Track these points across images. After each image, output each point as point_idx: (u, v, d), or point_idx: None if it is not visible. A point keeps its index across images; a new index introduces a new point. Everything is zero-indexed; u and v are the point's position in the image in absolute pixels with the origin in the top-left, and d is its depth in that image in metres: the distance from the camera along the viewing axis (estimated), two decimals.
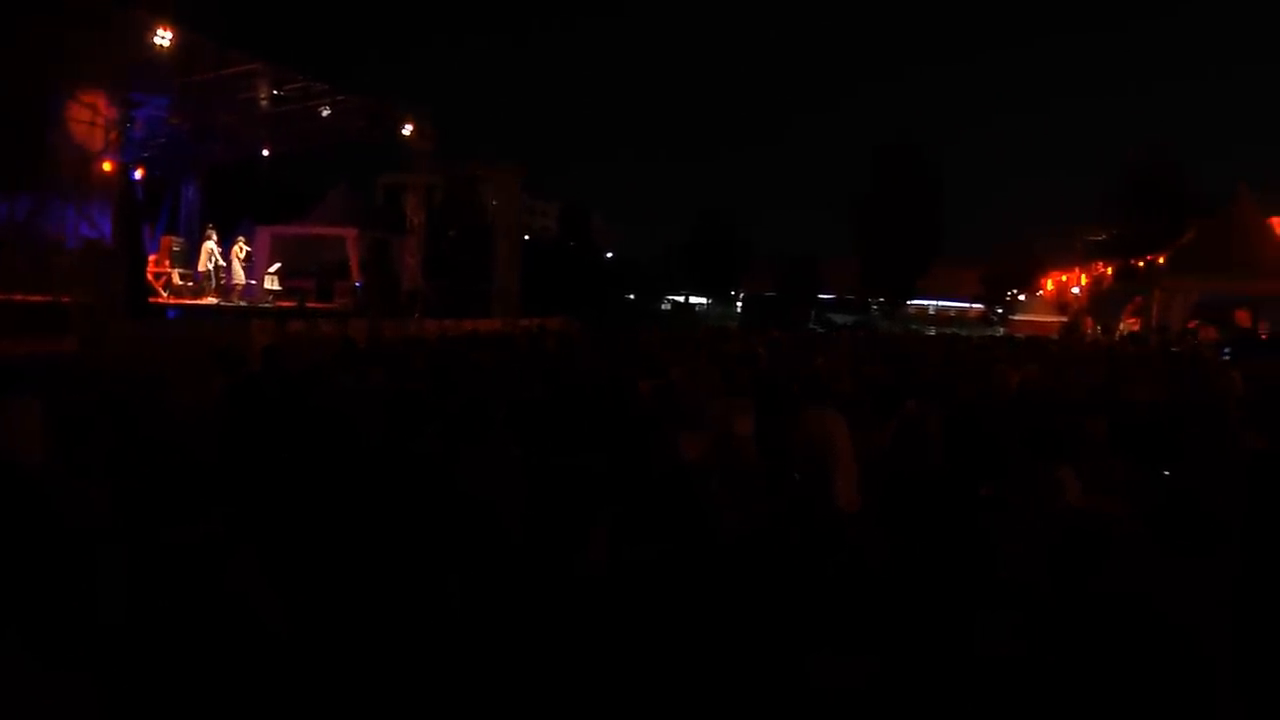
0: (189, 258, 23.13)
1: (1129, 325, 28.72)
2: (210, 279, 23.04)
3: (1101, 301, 34.67)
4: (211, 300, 22.38)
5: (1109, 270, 43.44)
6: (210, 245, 23.13)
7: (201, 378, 5.60)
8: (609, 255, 60.40)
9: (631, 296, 56.80)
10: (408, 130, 23.19)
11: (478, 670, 2.37)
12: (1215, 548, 2.99)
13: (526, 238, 35.60)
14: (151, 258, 21.43)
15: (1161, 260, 33.11)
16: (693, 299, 64.68)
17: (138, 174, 21.27)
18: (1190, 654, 1.92)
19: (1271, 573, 2.39)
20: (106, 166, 15.17)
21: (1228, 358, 18.27)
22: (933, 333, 38.08)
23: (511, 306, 26.54)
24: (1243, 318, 21.94)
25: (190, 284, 22.61)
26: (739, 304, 61.44)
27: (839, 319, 51.98)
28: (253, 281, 24.35)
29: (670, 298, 65.15)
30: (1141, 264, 38.03)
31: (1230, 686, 1.88)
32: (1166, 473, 4.74)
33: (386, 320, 18.17)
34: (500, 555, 2.76)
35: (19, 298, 13.26)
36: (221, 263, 23.44)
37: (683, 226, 61.52)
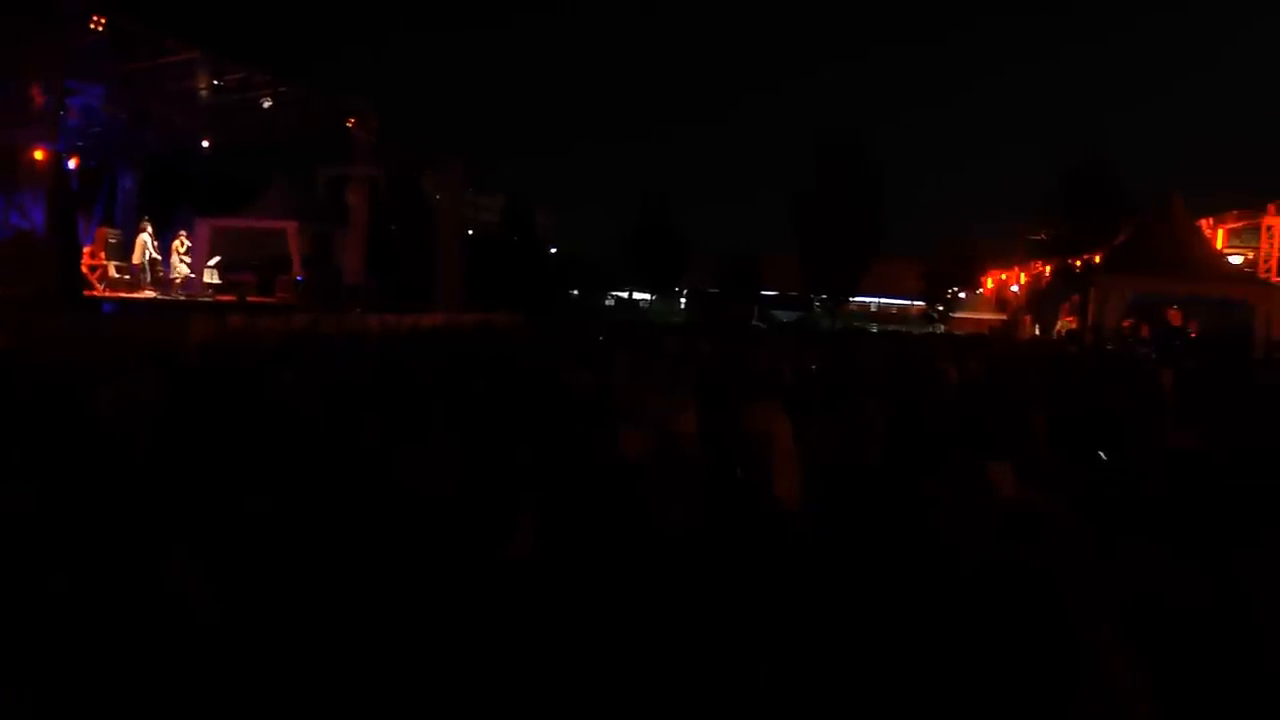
0: (126, 250, 22.68)
1: (1066, 323, 29.21)
2: (146, 272, 22.60)
3: (1040, 300, 35.23)
4: (149, 294, 21.96)
5: (1047, 269, 44.20)
6: (145, 238, 22.68)
7: (139, 373, 5.50)
8: (553, 250, 60.26)
9: (575, 292, 56.78)
10: (350, 122, 22.95)
11: (413, 664, 2.35)
12: (1142, 541, 3.06)
13: (470, 232, 35.38)
14: (86, 250, 20.99)
15: (1098, 260, 33.72)
16: (636, 295, 64.75)
17: (72, 163, 20.82)
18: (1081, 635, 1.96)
19: (1195, 567, 2.44)
20: (39, 155, 14.82)
21: (1154, 355, 18.69)
22: (875, 330, 38.50)
23: (455, 301, 26.38)
24: (1174, 317, 22.43)
25: (127, 277, 22.18)
26: (682, 300, 61.61)
27: (782, 315, 52.33)
28: (193, 275, 23.95)
29: (614, 293, 65.20)
30: (1078, 263, 38.74)
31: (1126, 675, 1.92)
32: (1102, 455, 4.85)
33: (328, 314, 17.97)
34: (437, 549, 2.74)
35: None
36: (156, 255, 22.99)
37: (626, 222, 61.29)
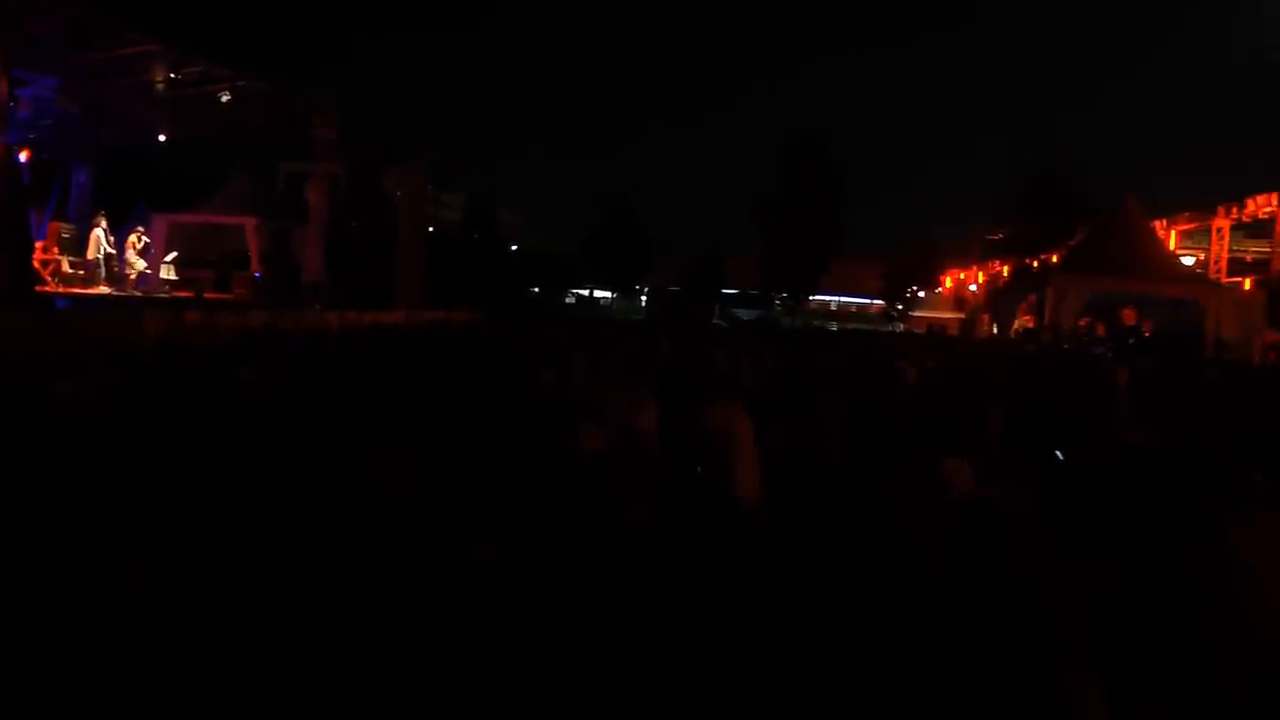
0: (79, 245, 22.36)
1: (1024, 322, 29.55)
2: (101, 267, 22.27)
3: (997, 299, 35.66)
4: (104, 289, 21.65)
5: (1005, 269, 44.73)
6: (99, 232, 22.35)
7: (93, 369, 5.43)
8: (514, 248, 60.06)
9: (536, 290, 56.66)
10: (311, 119, 22.74)
11: (365, 668, 2.34)
12: (1100, 538, 3.11)
13: (431, 229, 35.16)
14: (39, 245, 20.67)
15: (1054, 260, 34.22)
16: (597, 293, 64.74)
17: (23, 156, 20.46)
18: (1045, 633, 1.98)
19: (1149, 564, 2.49)
20: None
21: (1109, 354, 18.98)
22: (835, 328, 38.80)
23: (415, 299, 26.18)
24: (1129, 316, 22.75)
25: (81, 273, 21.86)
26: (644, 298, 61.62)
27: (743, 314, 52.49)
28: (149, 271, 23.65)
29: (575, 291, 65.13)
30: (1035, 263, 39.29)
31: (1084, 670, 1.95)
32: (1058, 454, 4.91)
33: (287, 312, 17.79)
34: (395, 549, 2.73)
35: None
36: (111, 251, 22.65)
37: (588, 221, 61.13)
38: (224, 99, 21.08)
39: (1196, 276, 31.53)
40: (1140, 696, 2.05)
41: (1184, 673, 2.10)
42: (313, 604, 2.50)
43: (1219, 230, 36.95)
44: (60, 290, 20.29)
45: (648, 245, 58.48)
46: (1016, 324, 29.71)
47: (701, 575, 2.61)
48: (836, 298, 69.09)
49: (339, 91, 24.08)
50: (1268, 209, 34.30)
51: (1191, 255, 38.74)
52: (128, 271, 23.04)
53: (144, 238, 23.52)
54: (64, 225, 22.56)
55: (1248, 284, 33.75)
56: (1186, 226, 38.53)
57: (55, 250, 21.58)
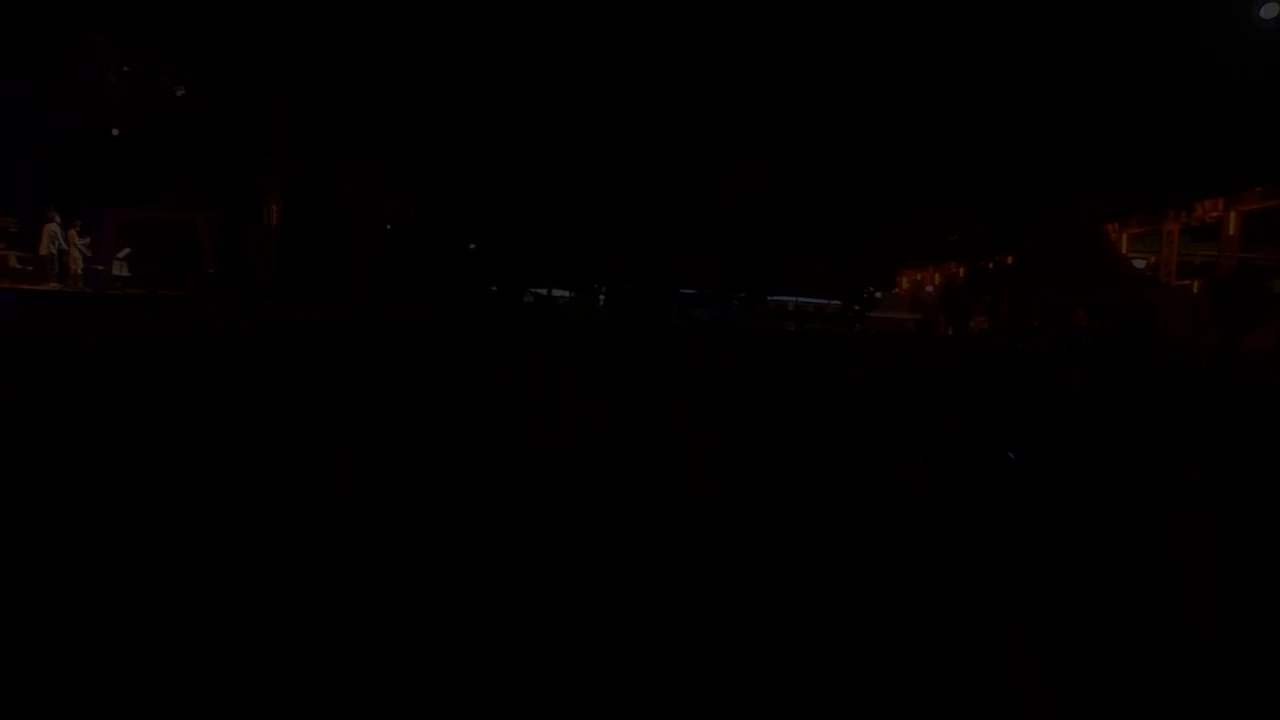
0: (27, 240, 21.94)
1: (978, 323, 29.90)
2: (53, 263, 21.87)
3: (953, 300, 36.06)
4: (54, 286, 21.28)
5: (961, 270, 45.24)
6: (53, 227, 21.95)
7: (40, 366, 5.35)
8: (472, 246, 59.68)
9: (494, 288, 56.39)
10: (266, 113, 22.52)
11: (301, 670, 2.31)
12: (1051, 533, 3.14)
13: (388, 226, 34.90)
14: None
15: (1009, 261, 34.71)
16: (555, 291, 64.49)
17: None
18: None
19: (1096, 558, 2.52)
20: None
21: (1062, 354, 19.28)
22: (792, 328, 39.03)
23: (370, 295, 26.02)
24: (1081, 317, 23.12)
25: (30, 268, 21.45)
26: (601, 297, 61.47)
27: (701, 314, 52.56)
28: (98, 266, 23.25)
29: (533, 289, 64.90)
30: (991, 265, 39.81)
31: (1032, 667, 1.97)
32: (1010, 454, 4.96)
33: (240, 308, 17.59)
34: (342, 549, 2.71)
35: None
36: (65, 246, 22.26)
37: (547, 219, 60.94)
38: (178, 93, 20.85)
39: (1147, 279, 32.15)
40: (1079, 678, 2.08)
41: (1121, 656, 2.14)
42: (254, 607, 2.47)
43: (1169, 234, 37.65)
44: (7, 286, 19.93)
45: (606, 245, 58.38)
46: (972, 324, 30.08)
47: (653, 573, 2.61)
48: (795, 298, 69.25)
49: (295, 86, 23.76)
50: (1214, 213, 34.97)
51: (1142, 258, 39.44)
52: (72, 267, 22.65)
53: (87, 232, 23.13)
54: (9, 220, 22.14)
55: (1196, 286, 34.42)
56: (1138, 230, 39.22)
57: (1, 245, 21.18)
